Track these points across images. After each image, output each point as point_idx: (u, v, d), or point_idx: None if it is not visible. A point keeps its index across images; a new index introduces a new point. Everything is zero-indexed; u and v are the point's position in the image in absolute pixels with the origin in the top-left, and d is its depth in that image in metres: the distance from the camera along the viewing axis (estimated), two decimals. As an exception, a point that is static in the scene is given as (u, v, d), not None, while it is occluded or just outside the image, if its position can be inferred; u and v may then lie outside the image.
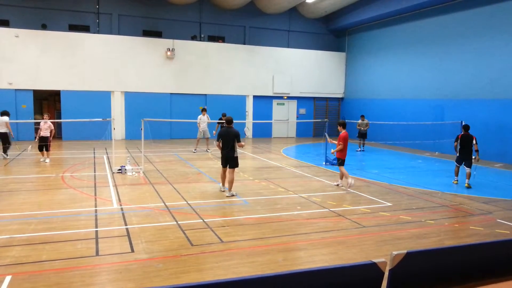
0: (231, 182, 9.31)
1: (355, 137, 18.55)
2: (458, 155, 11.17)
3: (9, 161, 13.59)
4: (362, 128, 18.46)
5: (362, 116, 18.67)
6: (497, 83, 16.05)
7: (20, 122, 18.77)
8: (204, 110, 16.99)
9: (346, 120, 15.17)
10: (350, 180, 10.14)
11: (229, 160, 9.31)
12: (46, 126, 13.59)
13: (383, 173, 12.93)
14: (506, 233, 7.09)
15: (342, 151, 10.31)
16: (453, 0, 17.81)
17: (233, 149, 9.25)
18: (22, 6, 20.10)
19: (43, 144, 13.53)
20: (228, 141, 9.23)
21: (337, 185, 10.70)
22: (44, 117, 14.02)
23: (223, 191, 9.67)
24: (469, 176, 10.89)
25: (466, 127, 11.08)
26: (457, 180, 11.34)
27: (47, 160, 13.54)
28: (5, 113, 13.97)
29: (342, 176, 10.59)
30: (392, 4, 19.99)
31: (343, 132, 10.37)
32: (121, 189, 9.84)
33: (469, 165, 10.91)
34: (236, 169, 9.45)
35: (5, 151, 14.05)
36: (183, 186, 10.23)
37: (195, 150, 16.87)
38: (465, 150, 10.93)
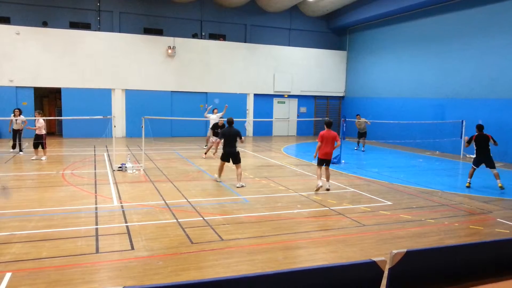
0: (240, 175, 10.20)
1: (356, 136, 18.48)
2: (475, 157, 10.77)
3: (10, 158, 13.61)
4: (359, 127, 18.11)
5: (358, 116, 18.28)
6: (497, 83, 16.02)
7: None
8: (215, 109, 16.38)
9: (347, 119, 14.99)
10: (320, 183, 9.82)
11: (233, 156, 10.28)
12: (38, 124, 13.43)
13: (383, 172, 12.93)
14: (506, 233, 7.09)
15: (319, 149, 9.81)
16: (454, -1, 17.80)
17: (235, 146, 10.29)
18: (23, 3, 20.06)
19: (38, 142, 13.36)
20: (231, 140, 10.24)
21: (322, 187, 9.93)
22: (36, 114, 13.77)
23: (218, 181, 10.53)
24: (497, 176, 10.36)
25: (480, 127, 10.65)
26: (470, 183, 10.77)
27: (43, 158, 13.43)
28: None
29: (320, 176, 9.95)
30: (393, 3, 19.94)
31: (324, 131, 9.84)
32: (121, 186, 9.85)
33: (492, 165, 10.44)
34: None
35: (19, 147, 14.84)
36: (183, 184, 10.24)
37: (206, 146, 16.80)
38: (483, 150, 10.49)
